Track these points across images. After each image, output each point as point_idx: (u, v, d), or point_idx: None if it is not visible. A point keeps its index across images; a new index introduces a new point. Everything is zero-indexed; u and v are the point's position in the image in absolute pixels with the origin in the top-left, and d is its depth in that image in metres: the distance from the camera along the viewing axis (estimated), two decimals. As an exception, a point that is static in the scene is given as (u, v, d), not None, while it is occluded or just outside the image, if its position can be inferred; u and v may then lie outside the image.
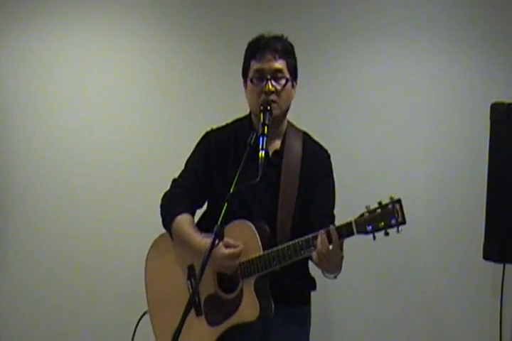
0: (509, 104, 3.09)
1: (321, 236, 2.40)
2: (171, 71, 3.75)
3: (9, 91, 3.77)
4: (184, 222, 2.69)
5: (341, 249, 2.42)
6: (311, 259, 2.58)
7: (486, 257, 3.11)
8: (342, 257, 2.45)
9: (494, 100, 3.14)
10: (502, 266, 3.18)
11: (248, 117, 2.76)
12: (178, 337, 2.19)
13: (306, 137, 2.76)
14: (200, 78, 3.72)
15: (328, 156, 2.77)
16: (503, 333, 3.28)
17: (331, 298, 3.52)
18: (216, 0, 3.72)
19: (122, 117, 3.75)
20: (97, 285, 3.71)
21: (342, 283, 3.30)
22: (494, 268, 3.28)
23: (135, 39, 3.76)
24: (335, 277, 2.53)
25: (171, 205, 2.75)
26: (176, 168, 2.81)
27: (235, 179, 2.40)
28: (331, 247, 2.38)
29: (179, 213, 2.71)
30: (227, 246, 2.57)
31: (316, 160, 2.72)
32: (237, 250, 2.56)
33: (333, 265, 2.46)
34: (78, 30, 3.77)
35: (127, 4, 3.75)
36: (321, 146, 2.79)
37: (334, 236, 2.37)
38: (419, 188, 3.53)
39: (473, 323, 3.49)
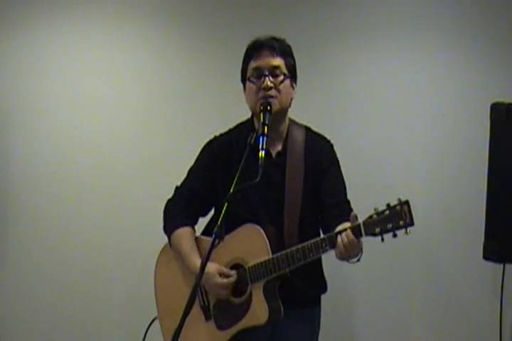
0: (509, 104, 3.08)
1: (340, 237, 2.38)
2: (172, 72, 3.75)
3: (9, 92, 3.77)
4: (183, 237, 2.71)
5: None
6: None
7: (486, 257, 3.11)
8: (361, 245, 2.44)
9: (494, 100, 3.14)
10: (502, 266, 3.17)
11: (250, 120, 2.76)
12: (177, 337, 2.19)
13: (307, 131, 2.75)
14: (201, 79, 3.72)
15: (331, 146, 2.77)
16: (503, 333, 3.28)
17: (330, 297, 3.52)
18: (216, 1, 3.73)
19: (123, 118, 3.75)
20: (101, 288, 3.70)
21: (341, 283, 3.32)
22: (494, 268, 3.28)
23: (135, 40, 3.76)
24: (358, 260, 2.50)
25: (172, 215, 2.77)
26: (179, 169, 2.82)
27: (235, 179, 2.40)
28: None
29: (178, 226, 2.72)
30: (221, 274, 2.58)
31: (319, 152, 2.71)
32: (231, 280, 2.57)
33: (355, 254, 2.46)
34: (78, 30, 3.77)
35: (127, 5, 3.75)
36: (323, 137, 2.78)
37: (348, 236, 2.37)
38: (419, 188, 3.53)
39: (473, 323, 3.49)
